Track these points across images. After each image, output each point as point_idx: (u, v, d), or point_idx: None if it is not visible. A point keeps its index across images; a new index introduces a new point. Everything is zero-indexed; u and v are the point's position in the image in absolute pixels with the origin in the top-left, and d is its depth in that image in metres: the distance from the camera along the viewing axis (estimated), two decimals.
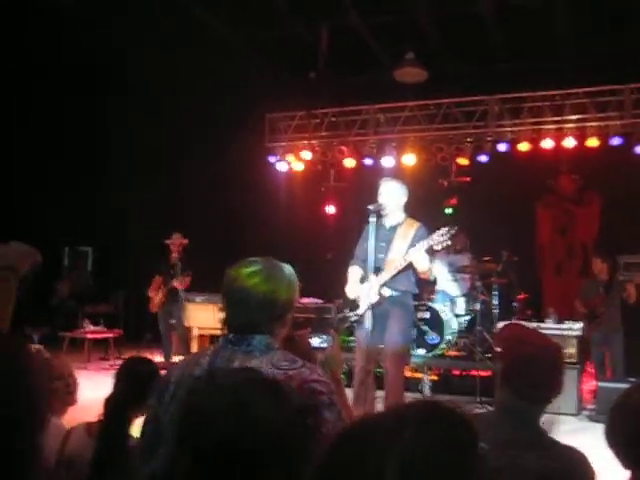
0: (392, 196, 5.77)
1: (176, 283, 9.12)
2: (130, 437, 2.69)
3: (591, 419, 7.01)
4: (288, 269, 2.12)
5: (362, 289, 5.68)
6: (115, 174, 12.15)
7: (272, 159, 12.12)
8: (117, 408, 2.70)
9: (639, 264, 8.76)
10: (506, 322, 8.36)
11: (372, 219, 5.50)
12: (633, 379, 7.21)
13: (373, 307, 5.44)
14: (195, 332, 8.67)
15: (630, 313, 8.30)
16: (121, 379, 2.87)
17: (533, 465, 1.98)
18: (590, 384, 8.13)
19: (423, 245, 5.41)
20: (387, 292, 5.61)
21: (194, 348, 8.67)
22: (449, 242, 5.41)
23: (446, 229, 5.41)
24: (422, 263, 5.42)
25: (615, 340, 8.14)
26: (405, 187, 5.90)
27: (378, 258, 5.58)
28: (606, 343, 8.22)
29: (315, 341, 8.21)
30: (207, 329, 8.87)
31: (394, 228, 5.80)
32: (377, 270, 5.54)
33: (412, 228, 5.77)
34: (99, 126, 11.74)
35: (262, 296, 2.00)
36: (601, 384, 7.33)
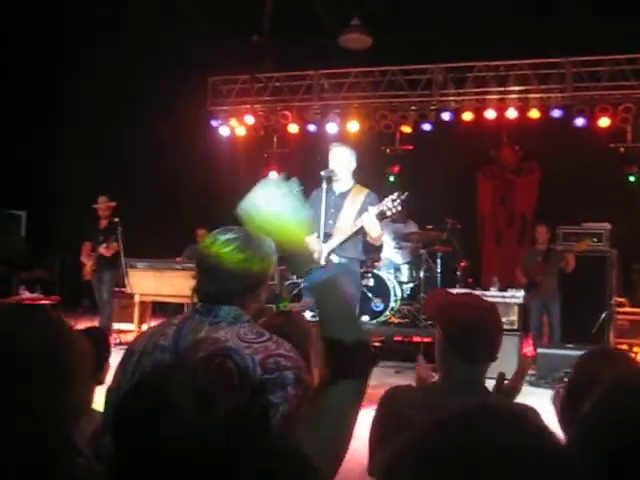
0: (342, 162, 5.71)
1: (102, 250, 8.85)
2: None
3: (532, 384, 7.17)
4: (267, 242, 2.04)
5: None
6: (53, 139, 11.78)
7: (214, 123, 11.92)
8: None
9: (577, 234, 9.03)
10: (451, 289, 8.51)
11: (324, 185, 5.45)
12: (570, 345, 7.45)
13: None
14: (137, 299, 8.48)
15: (566, 281, 8.53)
16: None
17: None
18: (529, 349, 8.33)
19: (375, 210, 5.39)
20: (335, 259, 5.58)
21: (135, 315, 8.51)
22: (400, 207, 5.39)
23: (397, 194, 5.39)
24: (374, 228, 5.40)
25: (553, 307, 8.38)
26: (354, 153, 5.85)
27: (327, 224, 5.54)
28: (545, 310, 8.44)
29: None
30: (148, 296, 8.70)
31: (344, 194, 5.75)
32: (326, 236, 5.50)
33: (361, 194, 5.73)
34: (36, 89, 11.31)
35: (235, 265, 1.94)
36: (540, 350, 7.52)
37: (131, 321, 8.88)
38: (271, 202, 1.66)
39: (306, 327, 2.64)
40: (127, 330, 9.35)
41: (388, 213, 5.42)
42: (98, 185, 9.78)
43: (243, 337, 1.86)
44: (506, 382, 2.38)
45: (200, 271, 2.00)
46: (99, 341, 2.81)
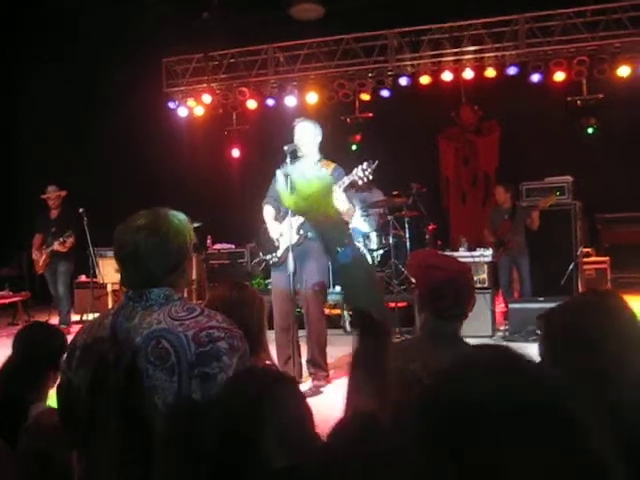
0: (307, 136, 5.69)
1: (57, 246, 8.62)
2: (45, 406, 2.62)
3: (505, 339, 7.31)
4: (175, 216, 2.05)
5: (281, 229, 5.65)
6: (17, 132, 11.55)
7: (172, 105, 11.79)
8: (11, 377, 2.64)
9: (540, 189, 9.14)
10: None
11: (287, 160, 5.44)
12: (541, 298, 7.58)
13: (293, 248, 5.42)
14: (109, 288, 8.41)
15: (533, 236, 8.64)
16: (16, 347, 2.78)
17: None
18: (500, 306, 8.46)
19: (346, 181, 5.40)
20: (306, 232, 5.59)
21: (109, 305, 8.44)
22: (371, 176, 5.40)
23: (367, 163, 5.40)
24: (342, 203, 5.39)
25: (522, 263, 8.49)
26: (319, 127, 5.83)
27: None
28: (514, 266, 8.56)
29: None
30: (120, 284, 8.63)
31: None
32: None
33: (328, 169, 5.72)
34: None
35: (152, 248, 1.95)
36: (512, 305, 7.65)
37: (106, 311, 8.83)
38: (305, 173, 1.69)
39: (260, 297, 2.72)
40: None
41: (360, 182, 5.43)
42: (59, 176, 9.64)
43: (174, 315, 1.88)
44: None
45: (120, 261, 2.01)
46: (56, 339, 2.81)
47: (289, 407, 1.54)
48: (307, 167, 1.70)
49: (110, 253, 8.56)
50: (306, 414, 1.57)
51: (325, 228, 1.75)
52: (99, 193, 9.83)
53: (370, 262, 8.58)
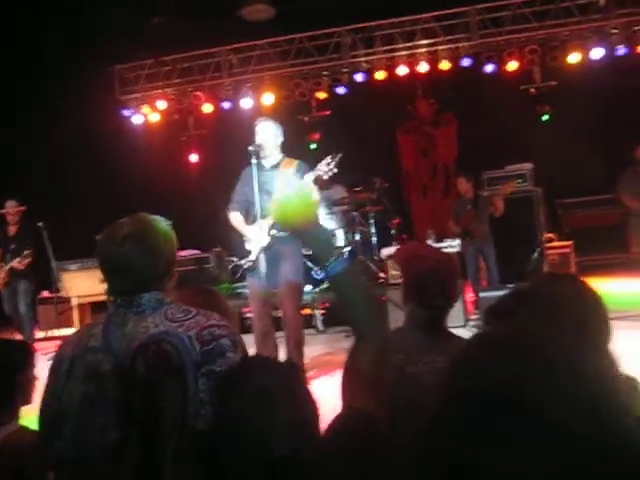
0: (269, 136, 5.67)
1: (15, 264, 8.30)
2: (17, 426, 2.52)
3: (478, 327, 7.36)
4: (161, 223, 2.04)
5: (252, 233, 5.60)
6: None
7: (126, 112, 11.62)
8: None
9: (501, 178, 9.25)
10: (389, 248, 8.61)
11: (253, 161, 5.40)
12: (509, 285, 7.65)
13: (265, 250, 5.38)
14: (74, 302, 8.25)
15: (497, 224, 8.72)
16: None
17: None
18: (470, 296, 8.53)
19: (311, 176, 5.37)
20: (276, 233, 5.55)
21: (75, 319, 8.28)
22: (335, 170, 5.38)
23: (331, 157, 5.38)
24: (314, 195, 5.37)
25: (488, 252, 8.56)
26: (280, 126, 5.81)
27: (263, 199, 5.49)
28: (480, 255, 8.63)
29: None
30: (86, 297, 8.47)
31: (274, 167, 5.72)
32: (263, 211, 5.46)
33: (292, 166, 5.70)
34: None
35: (141, 258, 1.92)
36: (482, 294, 7.70)
37: (71, 325, 8.65)
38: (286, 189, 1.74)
39: (226, 302, 2.70)
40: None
41: (325, 177, 5.41)
42: (11, 189, 9.39)
43: (172, 318, 1.87)
44: None
45: (108, 272, 1.97)
46: (20, 354, 2.68)
47: (300, 395, 1.55)
48: (287, 183, 1.73)
49: (73, 266, 8.43)
50: (313, 403, 1.58)
51: (315, 241, 1.77)
52: (56, 205, 9.61)
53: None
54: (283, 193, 1.72)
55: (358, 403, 1.75)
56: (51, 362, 2.01)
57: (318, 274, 8.32)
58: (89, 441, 1.79)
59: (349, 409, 1.76)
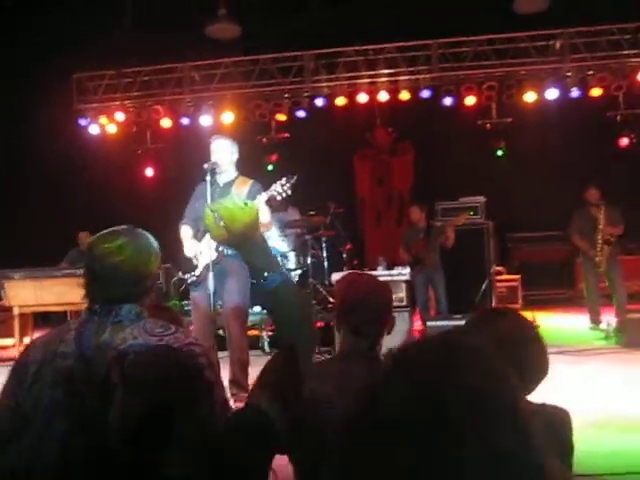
0: (224, 153, 5.65)
1: None
2: None
3: None
4: (151, 238, 2.06)
5: (200, 248, 5.55)
6: None
7: (83, 122, 11.47)
8: None
9: (454, 209, 9.38)
10: (339, 273, 8.61)
11: (208, 177, 5.37)
12: (457, 315, 7.71)
13: (212, 266, 5.33)
14: (16, 311, 8.02)
15: (448, 254, 8.82)
16: None
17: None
18: (418, 324, 8.57)
19: (265, 197, 5.36)
20: (224, 250, 5.51)
21: (16, 329, 8.05)
22: (289, 192, 5.38)
23: (286, 178, 5.38)
24: (263, 215, 5.36)
25: (437, 281, 8.64)
26: (235, 144, 5.80)
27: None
28: (429, 284, 8.70)
29: None
30: (29, 307, 8.24)
31: (228, 185, 5.69)
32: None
33: (246, 185, 5.68)
34: None
35: (132, 270, 1.94)
36: (429, 323, 7.75)
37: (11, 335, 8.41)
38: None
39: (181, 319, 2.73)
40: (7, 346, 8.86)
41: (278, 198, 5.40)
42: None
43: (151, 332, 1.86)
44: None
45: (93, 279, 1.95)
46: None
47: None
48: (231, 199, 1.72)
49: (17, 275, 8.19)
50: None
51: (252, 255, 1.78)
52: (3, 214, 9.40)
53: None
54: (226, 200, 1.72)
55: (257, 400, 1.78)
56: (12, 368, 1.94)
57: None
58: (51, 449, 1.73)
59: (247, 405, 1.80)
